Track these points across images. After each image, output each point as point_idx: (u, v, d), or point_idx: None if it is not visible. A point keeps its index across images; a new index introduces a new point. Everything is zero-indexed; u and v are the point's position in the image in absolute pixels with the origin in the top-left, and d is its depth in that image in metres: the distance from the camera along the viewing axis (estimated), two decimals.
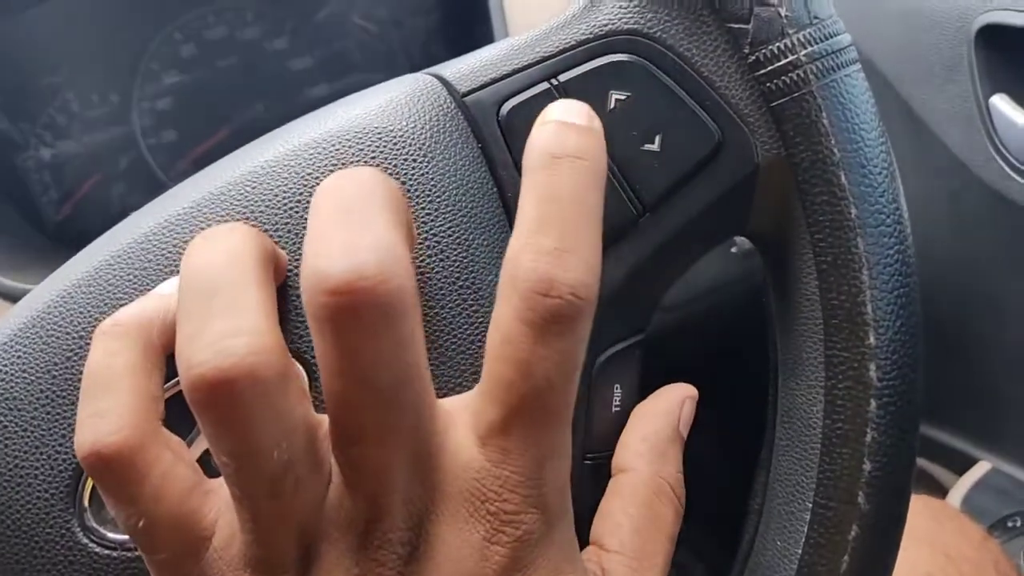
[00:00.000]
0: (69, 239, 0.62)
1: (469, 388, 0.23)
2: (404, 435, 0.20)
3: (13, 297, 0.51)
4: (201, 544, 0.21)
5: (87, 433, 0.20)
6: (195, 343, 0.19)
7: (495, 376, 0.20)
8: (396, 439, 0.20)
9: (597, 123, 0.22)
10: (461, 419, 0.21)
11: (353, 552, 0.20)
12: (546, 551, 0.21)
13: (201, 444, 0.23)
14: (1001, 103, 0.51)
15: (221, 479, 0.22)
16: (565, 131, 0.22)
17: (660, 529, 0.25)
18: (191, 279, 0.21)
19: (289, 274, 0.24)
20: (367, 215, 0.20)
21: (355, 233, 0.19)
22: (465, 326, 0.24)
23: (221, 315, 0.20)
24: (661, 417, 0.27)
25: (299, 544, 0.20)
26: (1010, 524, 0.66)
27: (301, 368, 0.23)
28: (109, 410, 0.20)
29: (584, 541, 0.25)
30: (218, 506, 0.21)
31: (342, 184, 0.21)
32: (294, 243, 0.24)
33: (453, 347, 0.24)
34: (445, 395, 0.24)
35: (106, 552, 0.23)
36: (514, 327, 0.20)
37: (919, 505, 0.55)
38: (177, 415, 0.22)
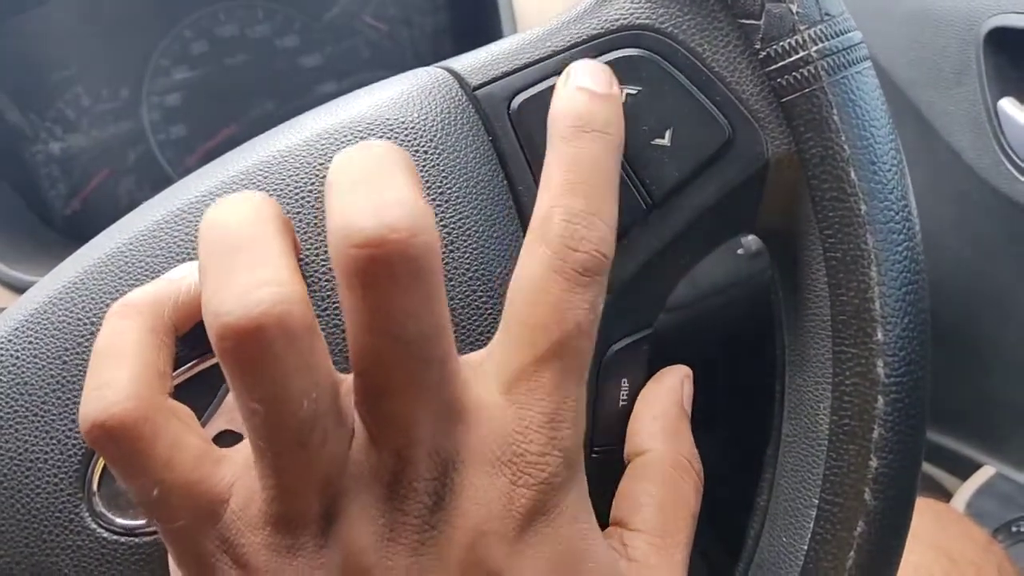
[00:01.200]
0: (77, 233, 0.62)
1: None
2: (430, 388, 0.20)
3: (20, 289, 0.51)
4: (218, 507, 0.21)
5: (91, 405, 0.20)
6: (221, 294, 0.19)
7: (524, 322, 0.21)
8: (423, 392, 0.20)
9: (616, 89, 0.24)
10: (482, 371, 0.22)
11: (379, 503, 0.20)
12: (566, 497, 0.21)
13: (212, 427, 0.24)
14: (1009, 107, 0.51)
15: (234, 448, 0.22)
16: (592, 102, 0.23)
17: (683, 506, 0.25)
18: (212, 239, 0.21)
19: (301, 261, 0.24)
20: (390, 175, 0.20)
21: (382, 190, 0.19)
22: (475, 317, 0.24)
23: (246, 268, 0.20)
24: (668, 395, 0.27)
25: (321, 499, 0.20)
26: (1014, 529, 0.65)
27: None
28: (113, 382, 0.20)
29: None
30: (233, 470, 0.21)
31: (358, 153, 0.21)
32: (305, 231, 0.24)
33: (464, 337, 0.24)
34: None
35: (114, 538, 0.23)
36: (546, 275, 0.21)
37: (923, 508, 0.55)
38: (187, 401, 0.22)
